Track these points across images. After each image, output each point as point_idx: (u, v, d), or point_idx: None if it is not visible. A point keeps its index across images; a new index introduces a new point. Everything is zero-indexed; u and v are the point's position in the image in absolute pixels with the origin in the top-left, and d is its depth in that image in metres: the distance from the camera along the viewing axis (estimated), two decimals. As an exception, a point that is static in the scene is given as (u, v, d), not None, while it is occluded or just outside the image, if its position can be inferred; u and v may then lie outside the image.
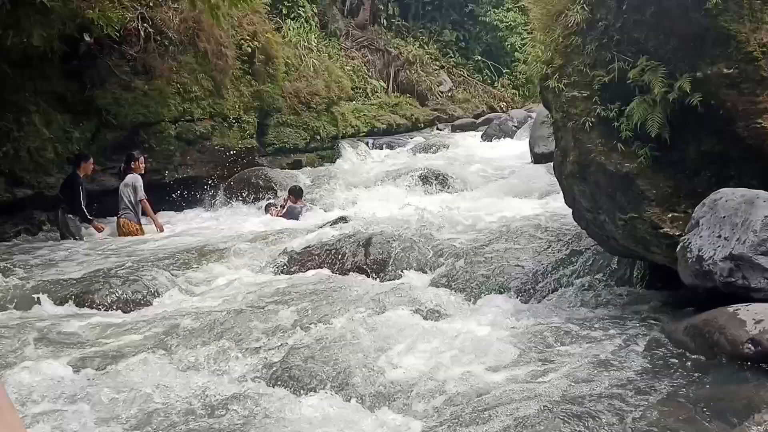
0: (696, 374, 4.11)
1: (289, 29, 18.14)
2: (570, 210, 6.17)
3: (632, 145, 5.06)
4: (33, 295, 6.78)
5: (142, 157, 10.87)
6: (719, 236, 4.44)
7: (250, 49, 13.77)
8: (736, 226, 4.39)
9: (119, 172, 11.03)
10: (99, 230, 10.45)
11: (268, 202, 11.55)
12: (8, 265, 8.14)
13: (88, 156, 10.66)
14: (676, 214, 4.98)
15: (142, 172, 10.73)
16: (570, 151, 5.47)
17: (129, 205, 10.50)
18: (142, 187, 10.53)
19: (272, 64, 14.55)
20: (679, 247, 4.68)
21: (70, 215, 10.28)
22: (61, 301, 6.67)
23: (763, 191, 4.48)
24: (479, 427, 3.69)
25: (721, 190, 4.63)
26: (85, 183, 10.46)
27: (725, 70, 4.70)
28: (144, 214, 10.64)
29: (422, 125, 22.17)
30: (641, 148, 5.01)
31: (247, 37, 13.83)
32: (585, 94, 5.31)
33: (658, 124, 4.88)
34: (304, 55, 16.77)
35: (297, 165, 14.76)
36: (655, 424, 3.57)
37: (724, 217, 4.46)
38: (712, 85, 4.75)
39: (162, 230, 10.51)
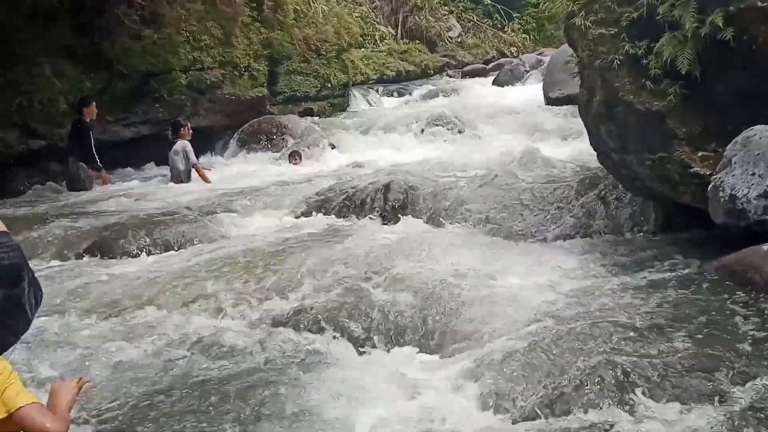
0: (729, 312, 4.09)
1: (296, -26, 17.80)
2: (593, 152, 6.10)
3: (661, 83, 4.97)
4: (51, 247, 6.79)
5: (188, 124, 10.73)
6: (753, 174, 4.37)
7: (258, -5, 13.55)
8: (770, 163, 4.32)
9: (166, 134, 10.79)
10: (106, 182, 10.19)
11: (292, 150, 11.36)
12: (26, 217, 8.13)
13: (90, 99, 10.35)
14: (706, 153, 4.91)
15: (190, 138, 10.53)
16: (597, 90, 5.38)
17: (180, 174, 10.22)
18: (193, 152, 10.34)
19: (281, 10, 14.29)
20: (710, 186, 4.62)
21: (82, 163, 10.09)
22: (78, 252, 6.68)
23: (797, 128, 4.40)
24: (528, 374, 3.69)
25: (754, 127, 4.55)
26: (94, 129, 10.25)
27: (759, 4, 4.58)
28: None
29: (432, 72, 21.81)
30: (671, 86, 4.92)
31: (255, -17, 13.59)
32: (612, 32, 5.20)
33: (689, 61, 4.78)
34: (312, 1, 16.49)
35: (308, 113, 14.59)
36: (692, 358, 3.56)
37: (758, 154, 4.39)
38: (745, 20, 4.63)
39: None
